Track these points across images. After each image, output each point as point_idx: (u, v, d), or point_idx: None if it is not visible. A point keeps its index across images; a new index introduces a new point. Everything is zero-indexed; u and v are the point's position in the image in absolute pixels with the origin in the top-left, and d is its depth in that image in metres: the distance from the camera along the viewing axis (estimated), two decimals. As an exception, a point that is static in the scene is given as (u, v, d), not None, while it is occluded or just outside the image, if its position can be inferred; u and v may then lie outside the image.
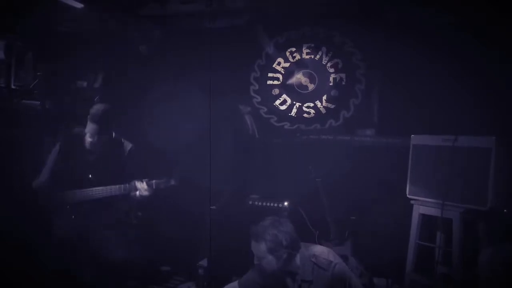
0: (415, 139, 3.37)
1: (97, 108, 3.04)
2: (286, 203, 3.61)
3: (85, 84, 4.12)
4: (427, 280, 3.38)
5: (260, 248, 2.28)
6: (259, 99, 4.27)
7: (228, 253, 3.57)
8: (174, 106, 4.16)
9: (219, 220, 3.73)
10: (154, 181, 3.01)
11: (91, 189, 2.98)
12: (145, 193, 2.98)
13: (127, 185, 2.98)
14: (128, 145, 3.19)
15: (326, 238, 3.55)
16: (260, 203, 3.68)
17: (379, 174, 3.70)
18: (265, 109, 4.24)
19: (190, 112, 4.07)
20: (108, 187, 2.97)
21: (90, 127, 3.00)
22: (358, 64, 3.99)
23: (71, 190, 2.99)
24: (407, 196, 3.36)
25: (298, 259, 2.33)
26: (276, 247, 2.24)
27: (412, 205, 3.36)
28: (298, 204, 3.68)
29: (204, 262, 3.76)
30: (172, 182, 3.06)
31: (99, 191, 2.97)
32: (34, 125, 3.62)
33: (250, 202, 3.71)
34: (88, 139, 3.04)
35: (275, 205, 3.64)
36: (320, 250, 2.37)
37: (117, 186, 2.97)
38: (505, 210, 3.08)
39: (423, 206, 3.30)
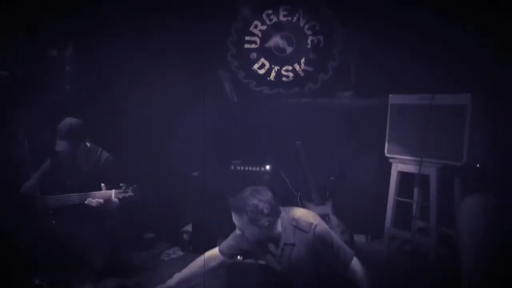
0: (393, 99, 3.41)
1: (64, 123, 2.96)
2: (268, 167, 3.65)
3: (55, 52, 3.98)
4: (405, 234, 3.51)
5: (241, 219, 2.32)
6: (237, 63, 4.21)
7: (211, 218, 3.62)
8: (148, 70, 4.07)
9: (201, 186, 3.76)
10: (113, 190, 2.91)
11: (58, 196, 2.95)
12: (99, 202, 2.87)
13: (85, 194, 2.90)
14: (104, 155, 3.16)
15: (308, 199, 3.62)
16: (242, 168, 3.72)
17: (358, 135, 3.75)
18: (244, 74, 4.20)
19: (165, 80, 4.00)
20: (69, 195, 2.92)
21: (59, 145, 2.93)
22: (335, 26, 3.94)
23: (46, 196, 2.97)
24: (386, 155, 3.43)
25: (279, 224, 2.38)
26: (257, 217, 2.27)
27: (390, 164, 3.44)
28: (280, 167, 3.73)
29: (188, 228, 3.82)
30: (130, 193, 2.92)
31: (62, 198, 2.93)
32: (3, 95, 3.50)
33: (232, 167, 3.73)
34: (61, 155, 3.00)
35: (257, 169, 3.68)
36: (299, 213, 2.42)
37: (76, 195, 2.91)
38: (477, 165, 3.18)
39: (401, 164, 3.38)
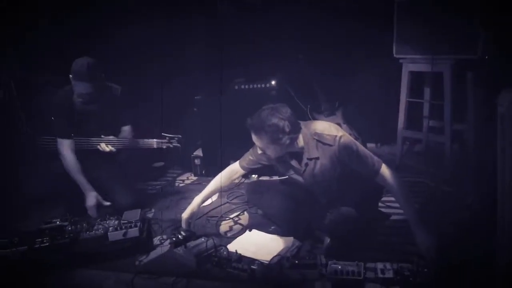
0: (399, -7, 3.20)
1: (81, 63, 2.62)
2: (273, 82, 3.50)
3: None
4: (417, 135, 3.50)
5: (261, 139, 2.24)
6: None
7: (220, 141, 3.55)
8: None
9: (206, 109, 3.63)
10: (155, 140, 2.91)
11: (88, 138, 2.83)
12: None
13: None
14: (116, 89, 2.93)
15: (318, 111, 3.54)
16: (246, 86, 3.56)
17: (365, 38, 3.57)
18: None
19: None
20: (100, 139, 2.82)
21: (79, 87, 2.63)
22: None
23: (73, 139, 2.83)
24: (395, 56, 3.29)
25: (301, 140, 2.30)
26: (278, 136, 2.19)
27: (401, 65, 3.32)
28: (285, 81, 3.57)
29: (199, 152, 3.76)
30: (175, 143, 2.96)
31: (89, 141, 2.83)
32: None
33: (236, 87, 3.57)
34: (77, 99, 2.71)
35: (262, 85, 3.52)
36: (321, 126, 2.32)
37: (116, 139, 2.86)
38: (486, 57, 3.06)
39: (412, 64, 3.27)
